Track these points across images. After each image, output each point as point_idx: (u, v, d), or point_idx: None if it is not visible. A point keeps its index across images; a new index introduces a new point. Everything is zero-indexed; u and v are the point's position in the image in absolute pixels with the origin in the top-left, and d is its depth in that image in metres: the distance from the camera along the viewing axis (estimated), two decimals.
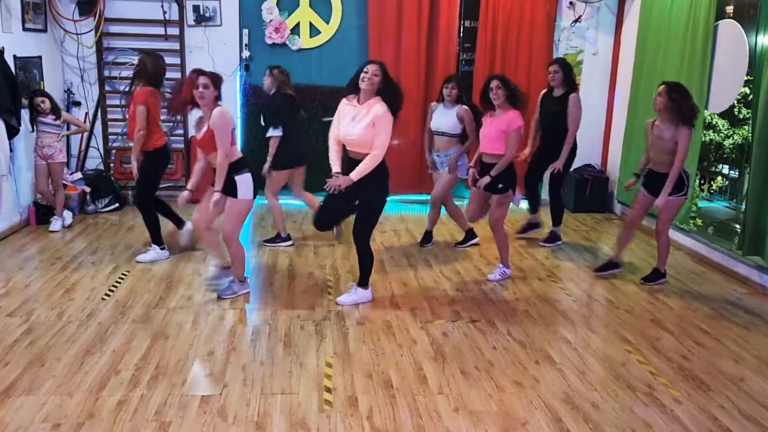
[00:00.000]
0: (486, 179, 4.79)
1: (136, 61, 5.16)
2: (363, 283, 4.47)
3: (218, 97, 4.25)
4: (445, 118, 5.47)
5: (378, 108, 4.09)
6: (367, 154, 4.11)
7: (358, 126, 4.11)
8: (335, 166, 4.24)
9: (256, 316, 4.23)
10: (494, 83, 4.72)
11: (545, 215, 6.10)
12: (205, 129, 4.23)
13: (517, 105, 4.76)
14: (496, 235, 4.99)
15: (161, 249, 5.22)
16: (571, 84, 5.67)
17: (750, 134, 5.02)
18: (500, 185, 4.80)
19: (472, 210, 5.12)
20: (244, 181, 4.26)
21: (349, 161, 4.22)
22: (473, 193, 5.05)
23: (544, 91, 5.84)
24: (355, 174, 4.11)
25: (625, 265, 5.22)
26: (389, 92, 4.13)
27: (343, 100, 4.28)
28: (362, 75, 4.08)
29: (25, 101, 5.79)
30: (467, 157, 5.58)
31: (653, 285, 4.94)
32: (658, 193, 4.72)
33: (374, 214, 4.32)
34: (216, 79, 4.23)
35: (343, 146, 4.27)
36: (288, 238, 5.73)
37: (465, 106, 5.47)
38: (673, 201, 4.70)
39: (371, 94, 4.13)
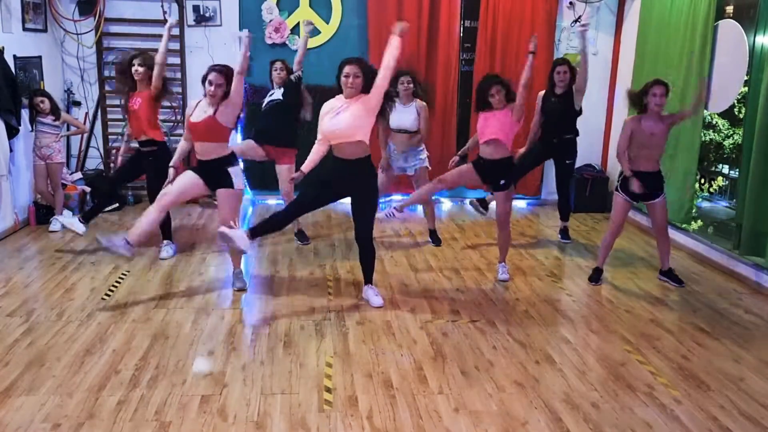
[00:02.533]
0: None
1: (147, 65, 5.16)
2: (371, 280, 4.52)
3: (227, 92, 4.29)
4: (404, 115, 5.43)
5: (363, 99, 4.12)
6: (357, 143, 4.12)
7: (345, 115, 4.10)
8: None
9: (256, 316, 4.23)
10: (495, 89, 4.64)
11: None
12: (206, 115, 4.28)
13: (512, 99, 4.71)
14: (504, 231, 4.95)
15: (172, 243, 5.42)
16: (572, 82, 5.66)
17: (743, 133, 5.07)
18: (502, 182, 4.78)
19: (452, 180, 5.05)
20: (237, 173, 4.41)
21: (339, 163, 4.20)
22: (465, 167, 4.93)
23: (544, 92, 5.79)
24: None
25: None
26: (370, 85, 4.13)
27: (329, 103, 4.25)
28: (343, 80, 4.10)
29: (25, 101, 5.80)
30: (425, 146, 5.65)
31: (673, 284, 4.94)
32: (638, 197, 4.70)
33: (373, 210, 4.35)
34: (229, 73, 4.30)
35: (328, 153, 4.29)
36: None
37: (422, 102, 5.49)
38: (661, 200, 4.77)
39: (356, 94, 4.14)
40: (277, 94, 5.50)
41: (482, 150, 4.82)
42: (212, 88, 4.22)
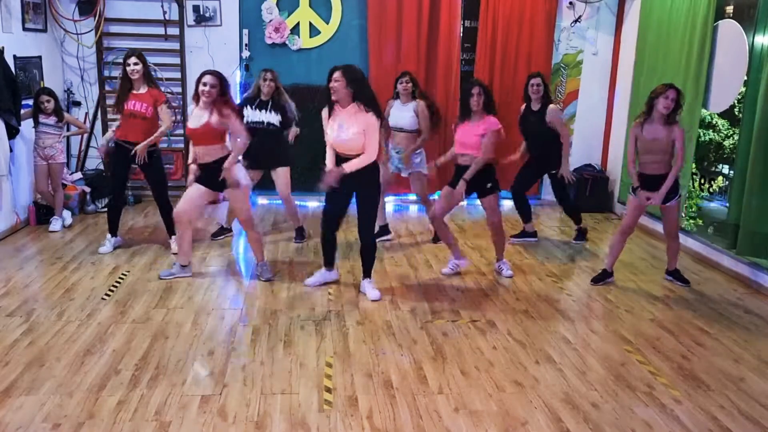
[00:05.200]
0: (462, 186, 4.66)
1: (143, 62, 5.10)
2: (370, 274, 4.61)
3: (223, 94, 4.48)
4: (402, 114, 5.47)
5: (366, 118, 4.19)
6: (359, 155, 4.24)
7: (348, 132, 4.21)
8: (329, 163, 4.41)
9: (256, 316, 4.23)
10: (475, 90, 4.64)
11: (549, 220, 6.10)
12: (203, 122, 4.45)
13: (492, 111, 4.71)
14: (499, 235, 5.01)
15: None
16: (548, 97, 5.67)
17: (740, 132, 5.09)
18: (489, 185, 4.79)
19: (441, 207, 4.90)
20: (239, 170, 4.59)
21: (342, 161, 4.31)
22: (445, 190, 4.88)
23: (523, 108, 5.76)
24: (348, 166, 4.23)
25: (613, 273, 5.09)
26: (365, 97, 4.22)
27: (325, 109, 4.41)
28: (330, 85, 4.20)
29: (29, 101, 5.79)
30: (424, 152, 5.62)
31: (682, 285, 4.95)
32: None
33: (373, 208, 4.46)
34: (222, 79, 4.50)
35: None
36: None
37: (422, 102, 5.48)
38: (674, 204, 4.73)
39: (347, 101, 4.21)
40: (269, 116, 5.37)
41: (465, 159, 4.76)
42: (207, 88, 4.40)
